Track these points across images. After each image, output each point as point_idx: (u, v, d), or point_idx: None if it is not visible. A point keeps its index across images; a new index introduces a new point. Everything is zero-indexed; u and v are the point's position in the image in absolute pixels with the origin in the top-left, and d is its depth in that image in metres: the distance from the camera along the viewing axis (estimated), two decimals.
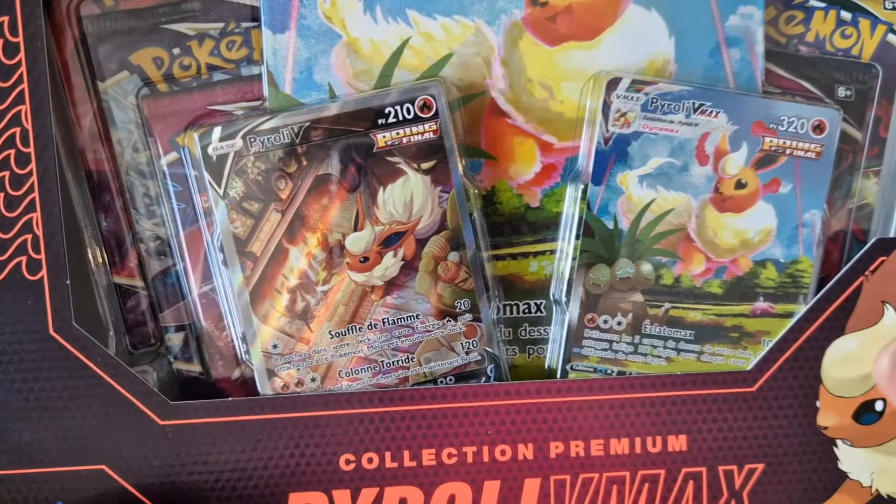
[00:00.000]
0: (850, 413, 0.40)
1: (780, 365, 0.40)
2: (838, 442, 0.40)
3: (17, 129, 0.37)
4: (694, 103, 0.39)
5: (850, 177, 0.42)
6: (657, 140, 0.39)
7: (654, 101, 0.39)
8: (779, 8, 0.41)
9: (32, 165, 0.37)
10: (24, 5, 0.36)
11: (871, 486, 0.40)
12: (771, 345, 0.40)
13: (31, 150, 0.37)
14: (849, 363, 0.39)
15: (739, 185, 0.40)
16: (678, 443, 0.40)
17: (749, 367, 0.40)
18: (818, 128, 0.40)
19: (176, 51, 0.40)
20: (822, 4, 0.42)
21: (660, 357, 0.41)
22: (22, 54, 0.37)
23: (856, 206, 0.42)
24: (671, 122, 0.39)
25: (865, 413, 0.40)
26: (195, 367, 0.41)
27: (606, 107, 0.39)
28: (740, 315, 0.41)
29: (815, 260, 0.40)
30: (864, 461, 0.40)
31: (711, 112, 0.39)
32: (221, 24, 0.39)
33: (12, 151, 0.37)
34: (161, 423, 0.38)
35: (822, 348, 0.40)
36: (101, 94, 0.40)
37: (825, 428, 0.40)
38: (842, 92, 0.42)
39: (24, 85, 0.37)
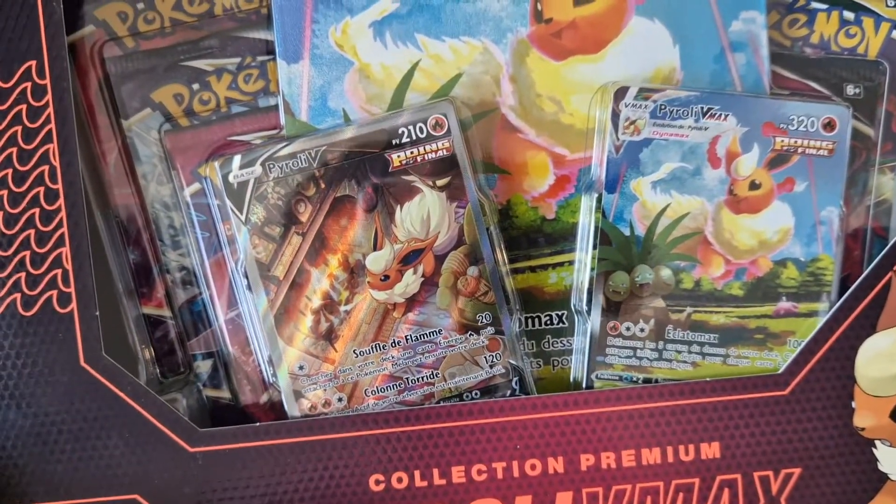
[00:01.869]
0: (888, 412, 0.37)
1: (812, 366, 0.37)
2: (877, 443, 0.37)
3: (46, 167, 0.37)
4: (702, 107, 0.38)
5: (866, 173, 0.40)
6: (668, 146, 0.38)
7: (663, 107, 0.37)
8: (781, 12, 0.40)
9: (61, 201, 0.37)
10: (50, 49, 0.36)
11: None
12: (801, 346, 0.37)
13: (60, 186, 0.37)
14: (883, 361, 0.37)
15: (753, 185, 0.38)
16: (711, 450, 0.37)
17: (780, 370, 0.37)
18: (829, 125, 0.38)
19: (195, 86, 0.39)
20: (825, 6, 0.40)
21: (685, 362, 0.38)
22: (49, 96, 0.37)
23: (873, 202, 0.40)
24: (681, 127, 0.38)
25: None
26: (224, 394, 0.40)
27: (615, 116, 0.37)
28: (763, 316, 0.38)
29: (836, 257, 0.38)
30: None
31: (720, 115, 0.38)
32: (238, 59, 0.39)
33: (41, 188, 0.37)
34: (191, 450, 0.36)
35: (854, 347, 0.37)
36: (125, 132, 0.39)
37: (862, 429, 0.37)
38: (850, 90, 0.40)
39: (52, 125, 0.37)
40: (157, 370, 0.40)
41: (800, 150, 0.39)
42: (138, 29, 0.40)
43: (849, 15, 0.41)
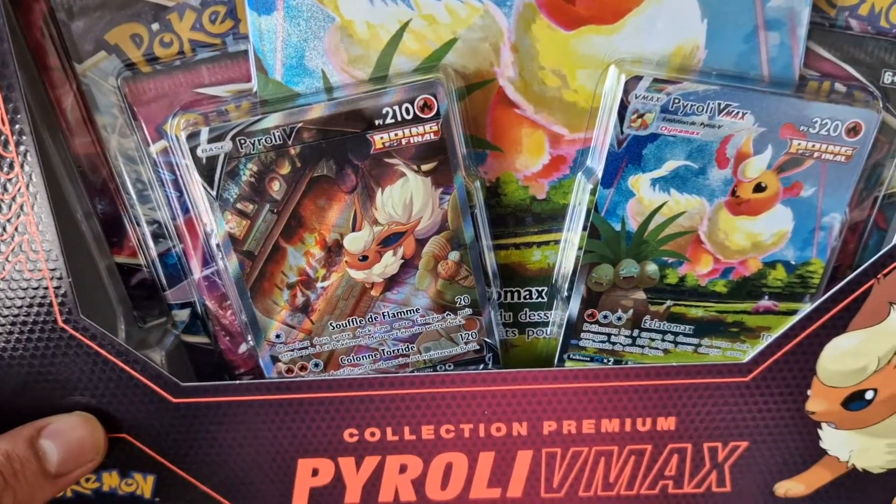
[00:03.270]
0: (840, 401, 0.38)
1: (777, 358, 0.37)
2: (823, 425, 0.39)
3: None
4: (720, 104, 0.33)
5: (883, 166, 0.36)
6: (675, 143, 0.34)
7: (676, 101, 0.33)
8: None
9: (12, 149, 0.33)
10: None
11: (847, 461, 0.39)
12: (771, 339, 0.36)
13: (9, 134, 0.32)
14: (846, 357, 0.37)
15: (759, 188, 0.35)
16: (667, 423, 0.39)
17: (745, 360, 0.36)
18: (853, 130, 0.34)
19: (155, 26, 0.34)
20: None
21: (657, 349, 0.38)
22: None
23: (884, 193, 0.37)
24: (692, 123, 0.33)
25: (855, 401, 0.38)
26: (203, 339, 0.39)
27: (623, 107, 0.33)
28: (742, 312, 0.37)
29: (828, 262, 0.36)
30: (846, 440, 0.40)
31: (738, 113, 0.33)
32: None
33: None
34: (174, 401, 0.37)
35: (822, 344, 0.38)
36: (79, 77, 0.34)
37: (813, 413, 0.39)
38: (888, 78, 0.35)
39: None
40: (137, 315, 0.40)
41: (815, 154, 0.36)
42: None
43: None
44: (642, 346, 0.39)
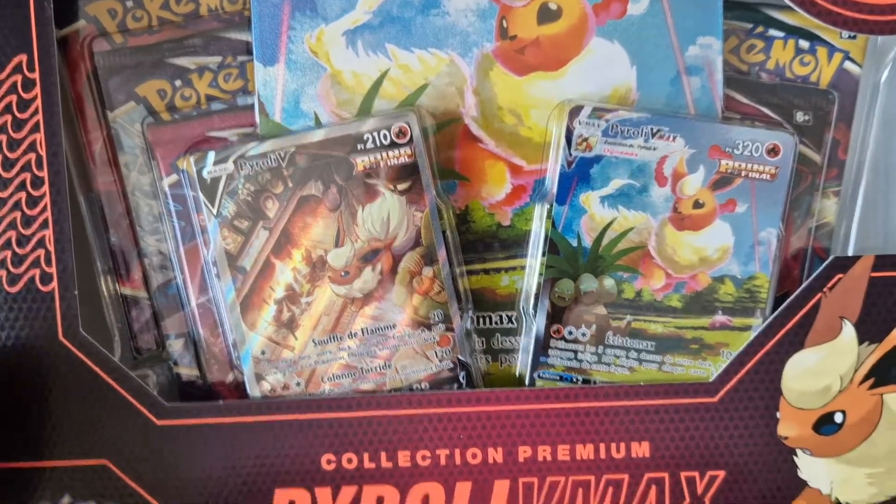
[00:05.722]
0: (810, 424, 0.38)
1: (741, 377, 0.38)
2: (798, 451, 0.38)
3: (33, 155, 0.38)
4: (652, 128, 0.38)
5: (810, 197, 0.41)
6: (618, 163, 0.38)
7: (615, 126, 0.38)
8: (740, 37, 0.40)
9: (46, 188, 0.38)
10: (40, 43, 0.37)
11: (830, 495, 0.38)
12: (732, 357, 0.38)
13: (45, 174, 0.38)
14: (809, 377, 0.38)
15: (697, 204, 0.39)
16: (641, 449, 0.39)
17: (711, 379, 0.37)
18: (773, 150, 0.38)
19: (178, 83, 0.40)
20: (782, 34, 0.41)
21: (623, 367, 0.39)
22: (38, 89, 0.38)
23: (815, 225, 0.40)
24: (631, 146, 0.38)
25: (825, 424, 0.38)
26: (193, 371, 0.41)
27: (569, 132, 0.38)
28: (700, 328, 0.39)
29: (772, 276, 0.39)
30: (824, 470, 0.39)
31: (669, 136, 0.38)
32: (220, 58, 0.40)
33: (28, 175, 0.40)
34: (158, 423, 0.38)
35: (782, 361, 0.38)
36: (110, 123, 0.40)
37: (785, 438, 0.38)
38: (800, 117, 0.40)
39: (40, 116, 0.38)
40: (133, 347, 0.42)
41: (743, 173, 0.40)
42: (127, 26, 0.41)
43: (804, 44, 0.41)
44: (608, 364, 0.42)
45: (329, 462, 0.40)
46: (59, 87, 0.40)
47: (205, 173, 0.39)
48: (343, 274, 0.40)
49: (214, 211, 0.40)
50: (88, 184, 0.42)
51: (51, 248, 0.39)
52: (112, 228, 0.42)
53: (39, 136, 0.39)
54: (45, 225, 0.39)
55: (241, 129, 0.42)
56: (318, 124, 0.41)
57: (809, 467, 0.40)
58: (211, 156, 0.39)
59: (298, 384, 0.41)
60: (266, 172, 0.40)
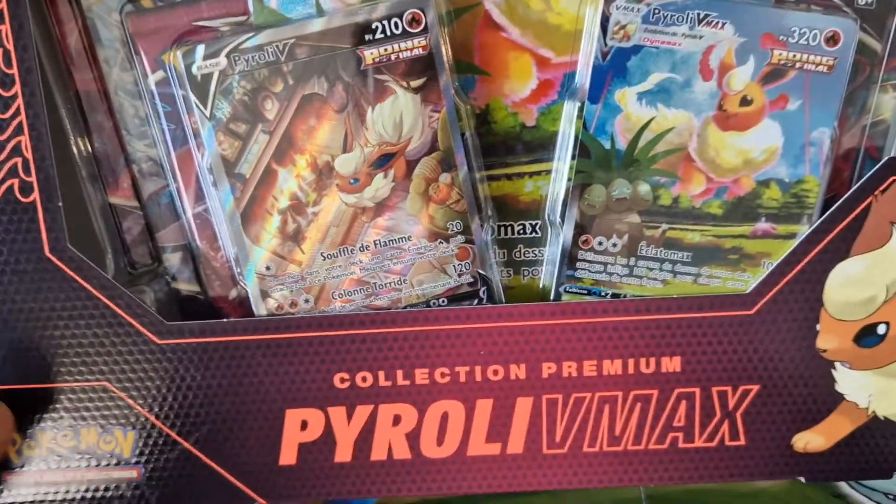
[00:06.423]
0: (851, 336, 0.35)
1: (780, 288, 0.35)
2: (836, 364, 0.35)
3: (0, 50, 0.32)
4: (699, 14, 0.32)
5: (866, 91, 0.35)
6: (658, 54, 0.33)
7: (657, 11, 0.32)
8: None
9: (17, 88, 0.33)
10: None
11: (867, 408, 0.35)
12: (772, 267, 0.34)
13: (15, 71, 0.32)
14: (853, 286, 0.34)
15: (745, 101, 0.33)
16: (672, 364, 0.36)
17: (748, 290, 0.33)
18: (832, 39, 0.33)
19: None
20: None
21: (655, 280, 0.35)
22: None
23: (871, 122, 0.35)
24: (674, 34, 0.33)
25: (867, 336, 0.35)
26: (193, 287, 0.37)
27: (605, 18, 0.33)
28: (740, 236, 0.35)
29: (822, 180, 0.34)
30: (863, 383, 0.36)
31: (717, 23, 0.33)
32: None
33: None
34: (159, 342, 0.34)
35: (826, 271, 0.34)
36: (85, 13, 0.34)
37: (824, 351, 0.35)
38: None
39: (3, 4, 0.31)
40: (127, 261, 0.37)
41: (798, 64, 0.35)
42: None
43: None
44: (640, 277, 0.38)
45: (343, 381, 0.37)
46: None
47: (194, 69, 0.34)
48: (352, 181, 0.36)
49: (207, 113, 0.34)
50: (66, 82, 0.36)
51: (28, 155, 0.34)
52: (95, 133, 0.37)
53: (4, 28, 0.33)
54: (19, 130, 0.35)
55: (232, 17, 0.36)
56: (321, 11, 0.35)
57: (847, 380, 0.37)
58: (200, 49, 0.34)
59: (307, 301, 0.37)
60: (263, 68, 0.34)
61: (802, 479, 0.38)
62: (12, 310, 0.36)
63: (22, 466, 0.38)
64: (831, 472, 0.38)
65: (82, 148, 0.38)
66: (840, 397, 0.38)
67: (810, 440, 0.38)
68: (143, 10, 0.37)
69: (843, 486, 0.43)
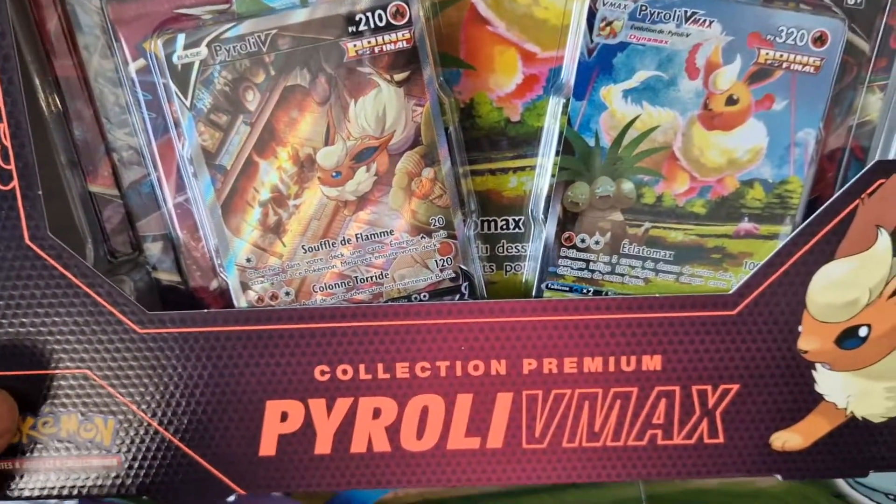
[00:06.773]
0: (833, 338, 0.35)
1: (763, 289, 0.35)
2: (817, 365, 0.36)
3: None
4: (686, 12, 0.32)
5: (853, 91, 0.35)
6: (645, 51, 0.32)
7: (644, 8, 0.32)
8: None
9: None
10: None
11: (846, 409, 0.35)
12: (756, 268, 0.34)
13: None
14: (837, 289, 0.35)
15: (730, 100, 0.33)
16: (653, 363, 0.36)
17: (731, 291, 0.33)
18: (819, 39, 0.32)
19: None
20: None
21: (637, 278, 0.35)
22: None
23: (857, 122, 0.35)
24: (660, 31, 0.32)
25: (848, 338, 0.35)
26: (174, 277, 0.36)
27: (591, 14, 0.32)
28: (723, 236, 0.35)
29: (806, 181, 0.34)
30: (843, 384, 0.36)
31: (705, 21, 0.32)
32: None
33: None
34: (140, 331, 0.34)
35: (810, 273, 0.35)
36: None
37: (805, 352, 0.35)
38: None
39: None
40: (107, 250, 0.37)
41: (784, 64, 0.34)
42: None
43: None
44: (622, 275, 0.37)
45: (323, 373, 0.37)
46: None
47: (175, 58, 0.33)
48: (334, 175, 0.35)
49: (188, 103, 0.34)
50: (45, 69, 0.36)
51: (7, 143, 0.34)
52: (75, 121, 0.36)
53: None
54: None
55: (214, 6, 0.35)
56: (304, 2, 0.35)
57: (827, 381, 0.37)
58: (181, 38, 0.33)
59: (288, 294, 0.37)
60: (245, 59, 0.34)
61: (779, 477, 0.38)
62: None
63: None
64: (808, 470, 0.38)
65: (62, 136, 0.37)
66: (819, 398, 0.38)
67: (788, 439, 0.38)
68: None
69: (844, 486, 0.43)
